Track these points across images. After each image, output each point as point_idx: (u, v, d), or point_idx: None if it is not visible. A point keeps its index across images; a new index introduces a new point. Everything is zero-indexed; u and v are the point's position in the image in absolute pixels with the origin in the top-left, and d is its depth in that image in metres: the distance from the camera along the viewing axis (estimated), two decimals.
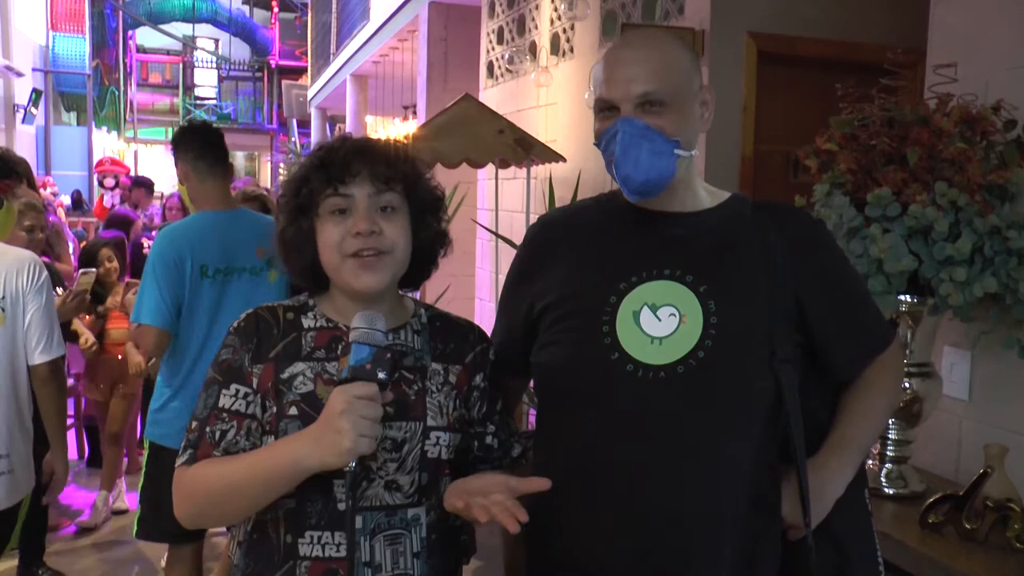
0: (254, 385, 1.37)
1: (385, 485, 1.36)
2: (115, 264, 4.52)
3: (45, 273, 2.68)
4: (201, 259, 2.79)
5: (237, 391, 1.37)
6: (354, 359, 1.25)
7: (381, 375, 1.25)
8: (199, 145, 2.94)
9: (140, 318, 2.77)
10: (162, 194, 12.94)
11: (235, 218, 2.94)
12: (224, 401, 1.36)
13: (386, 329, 1.29)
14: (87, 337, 4.33)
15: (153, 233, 4.74)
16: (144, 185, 8.25)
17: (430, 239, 1.46)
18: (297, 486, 1.29)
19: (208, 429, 1.35)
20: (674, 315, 1.39)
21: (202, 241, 2.81)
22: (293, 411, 1.34)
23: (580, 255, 1.49)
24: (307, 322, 1.42)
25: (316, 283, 1.45)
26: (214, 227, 2.85)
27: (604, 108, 1.43)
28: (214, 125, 3.22)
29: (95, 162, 10.31)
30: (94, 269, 4.02)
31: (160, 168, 21.93)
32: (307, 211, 1.39)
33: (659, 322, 1.39)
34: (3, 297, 2.55)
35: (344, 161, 1.37)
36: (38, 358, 2.62)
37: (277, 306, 1.45)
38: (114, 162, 9.17)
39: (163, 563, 3.92)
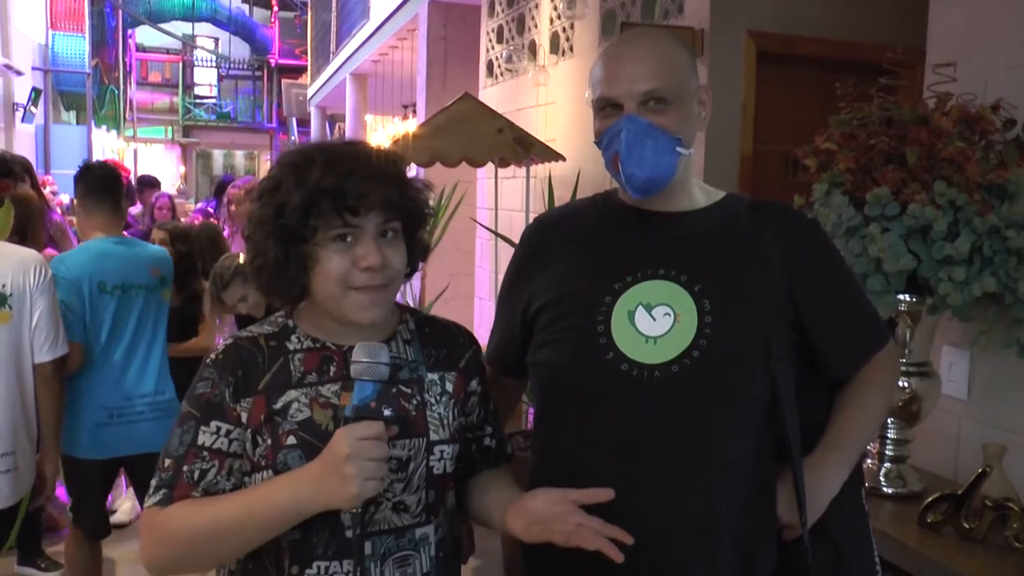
0: (243, 420, 1.28)
1: (392, 507, 1.31)
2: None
3: (50, 272, 2.73)
4: (99, 277, 3.04)
5: (219, 428, 1.28)
6: (358, 398, 1.19)
7: (387, 412, 1.21)
8: (88, 181, 3.20)
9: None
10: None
11: (124, 242, 3.24)
12: (203, 439, 1.27)
13: (390, 360, 1.24)
14: None
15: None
16: (151, 184, 8.23)
17: (418, 254, 1.40)
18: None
19: (185, 468, 1.26)
20: (669, 314, 1.39)
21: (99, 261, 3.06)
22: (292, 440, 1.26)
23: (576, 255, 1.49)
24: (291, 345, 1.33)
25: (288, 300, 1.36)
26: (108, 249, 3.12)
27: (606, 106, 1.43)
28: (105, 164, 3.60)
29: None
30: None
31: (160, 167, 21.94)
32: (305, 238, 1.27)
33: (654, 321, 1.39)
34: (10, 295, 2.59)
35: (358, 191, 1.25)
36: (44, 356, 2.67)
37: (256, 335, 1.35)
38: (115, 164, 9.17)
39: None
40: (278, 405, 1.28)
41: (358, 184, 1.25)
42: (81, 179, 3.21)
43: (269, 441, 1.27)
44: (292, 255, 1.28)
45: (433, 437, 1.34)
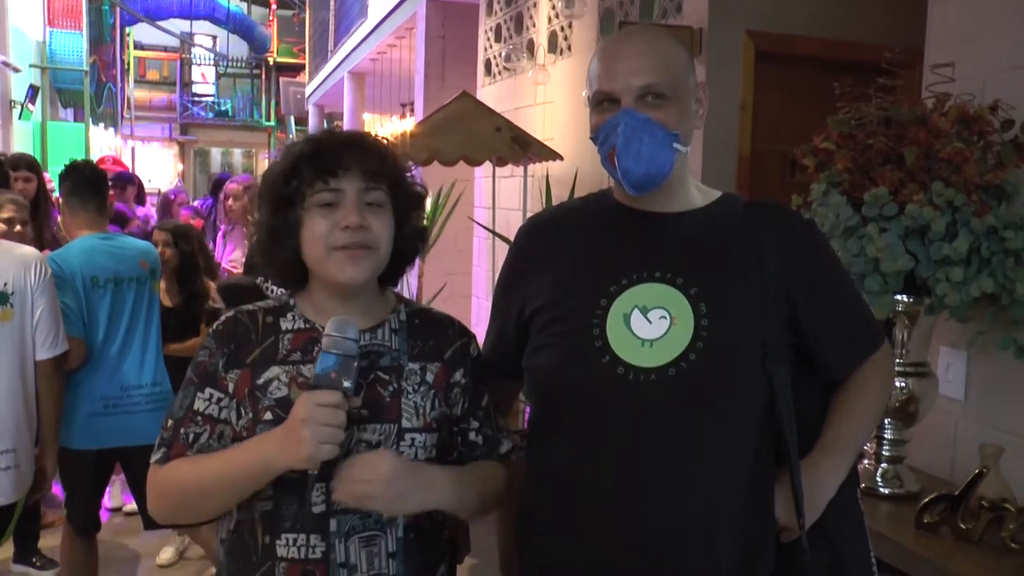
0: (229, 391, 1.38)
1: None
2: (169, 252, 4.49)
3: (50, 270, 2.76)
4: (91, 273, 3.08)
5: (211, 395, 1.39)
6: (320, 367, 1.27)
7: (346, 383, 1.26)
8: (74, 180, 3.24)
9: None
10: (158, 190, 12.90)
11: (111, 237, 3.30)
12: (198, 404, 1.39)
13: (358, 336, 1.30)
14: None
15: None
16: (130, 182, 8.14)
17: (411, 237, 1.47)
18: (274, 489, 1.33)
19: (182, 430, 1.38)
20: (665, 317, 1.38)
21: (90, 257, 3.11)
22: (268, 416, 1.35)
23: (570, 257, 1.49)
24: (285, 324, 1.42)
25: (295, 280, 1.45)
26: (97, 245, 3.16)
27: (603, 100, 1.42)
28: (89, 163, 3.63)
29: (96, 160, 10.26)
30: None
31: (158, 165, 21.92)
32: (293, 203, 1.37)
33: (650, 324, 1.38)
34: (12, 293, 2.61)
35: (336, 155, 1.36)
36: (45, 353, 2.71)
37: (258, 309, 1.45)
38: (115, 161, 9.11)
39: (159, 560, 3.93)
40: (260, 380, 1.37)
41: (336, 149, 1.37)
42: (67, 178, 3.25)
43: (250, 414, 1.36)
44: (283, 221, 1.38)
45: (405, 424, 1.39)
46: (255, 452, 1.31)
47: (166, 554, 3.96)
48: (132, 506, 4.40)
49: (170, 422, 1.40)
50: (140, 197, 7.79)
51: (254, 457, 1.30)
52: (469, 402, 1.48)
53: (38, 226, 4.47)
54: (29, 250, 2.76)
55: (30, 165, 4.53)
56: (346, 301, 1.41)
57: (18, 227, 3.51)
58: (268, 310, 1.44)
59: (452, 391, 1.46)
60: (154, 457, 1.39)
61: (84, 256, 3.10)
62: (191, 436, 1.38)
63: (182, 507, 1.41)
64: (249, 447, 1.33)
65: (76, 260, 3.07)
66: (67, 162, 3.37)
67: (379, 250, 1.39)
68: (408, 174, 1.46)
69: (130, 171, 8.87)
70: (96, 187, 3.26)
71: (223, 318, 1.43)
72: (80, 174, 3.26)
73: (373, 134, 1.47)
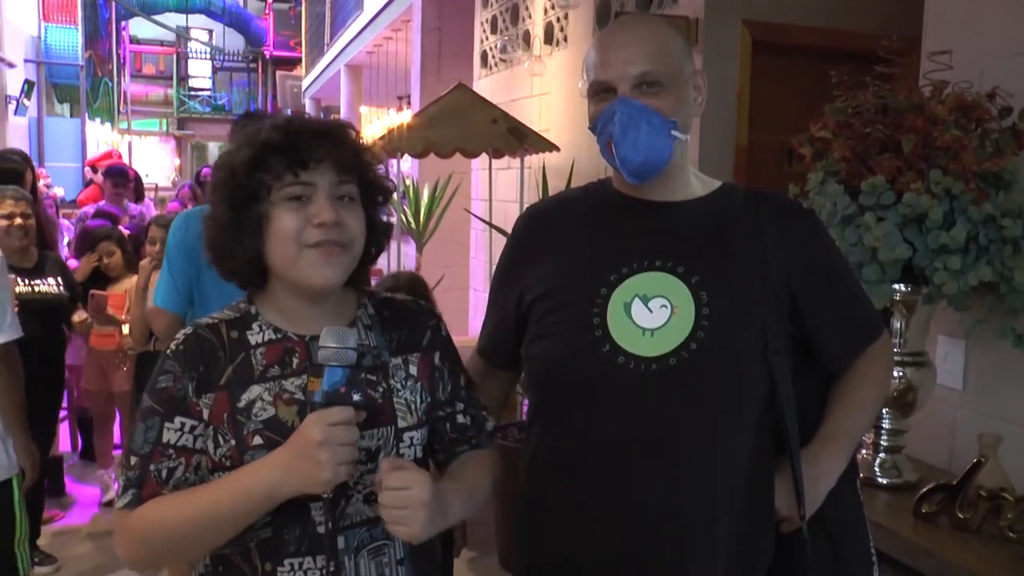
0: (204, 417, 1.25)
1: (364, 499, 1.28)
2: (117, 256, 4.48)
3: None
4: None
5: (183, 424, 1.25)
6: (328, 383, 1.18)
7: (356, 397, 1.20)
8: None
9: (155, 300, 2.83)
10: (156, 185, 12.87)
11: None
12: (168, 436, 1.24)
13: (357, 343, 1.22)
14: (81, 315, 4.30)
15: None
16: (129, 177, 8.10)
17: (380, 234, 1.37)
18: (272, 515, 1.23)
19: (152, 467, 1.24)
20: (666, 306, 1.37)
21: None
22: (258, 440, 1.24)
23: (569, 246, 1.48)
24: (253, 337, 1.30)
25: (251, 281, 1.33)
26: None
27: (600, 90, 1.41)
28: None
29: (96, 156, 10.22)
30: None
31: (154, 160, 21.85)
32: (257, 197, 1.25)
33: (651, 314, 1.37)
34: None
35: (307, 145, 1.24)
36: None
37: (219, 322, 1.31)
38: (111, 157, 9.08)
39: None
40: (241, 403, 1.25)
41: (308, 139, 1.25)
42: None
43: (233, 441, 1.24)
44: (244, 217, 1.25)
45: (401, 424, 1.32)
46: (256, 480, 1.19)
47: None
48: None
49: (133, 459, 1.25)
50: (138, 192, 7.78)
51: (256, 485, 1.19)
52: (451, 384, 1.42)
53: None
54: None
55: (22, 159, 4.53)
56: (315, 303, 1.31)
57: (18, 220, 3.50)
58: (229, 322, 1.31)
59: (434, 377, 1.40)
60: (120, 502, 1.24)
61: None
62: (164, 472, 1.23)
63: (167, 551, 1.27)
64: (245, 476, 1.21)
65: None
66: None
67: (354, 248, 1.29)
68: (379, 167, 1.36)
69: (127, 166, 8.83)
70: None
71: (181, 336, 1.29)
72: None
73: (344, 123, 1.36)
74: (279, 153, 1.24)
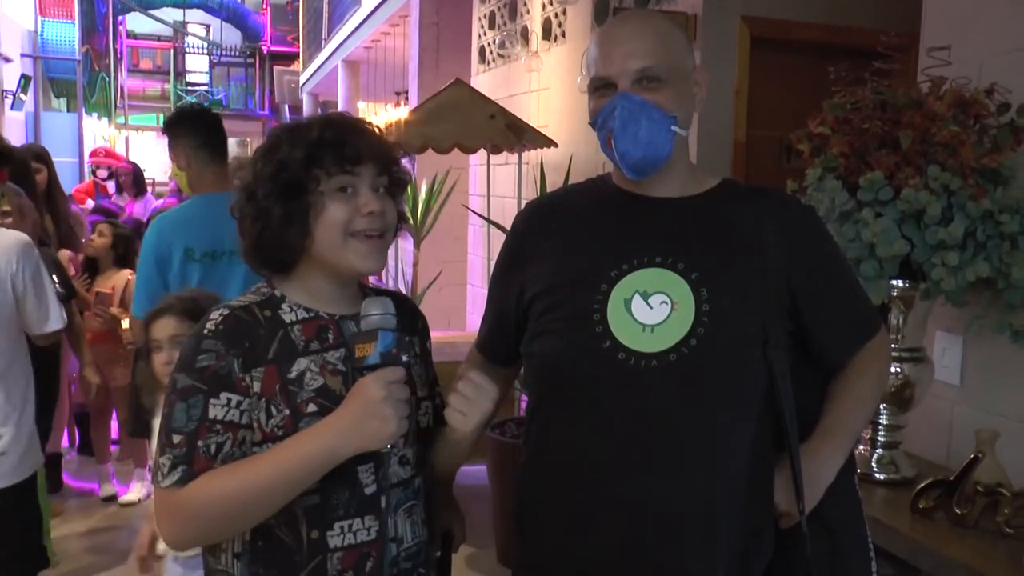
0: (255, 390, 1.29)
1: (398, 461, 1.38)
2: (106, 239, 4.47)
3: (36, 254, 2.69)
4: (189, 243, 2.74)
5: (228, 400, 1.29)
6: (382, 346, 1.28)
7: (405, 358, 1.29)
8: (201, 132, 2.90)
9: (133, 311, 2.82)
10: (153, 180, 12.85)
11: (227, 200, 2.88)
12: (214, 412, 1.28)
13: (395, 311, 1.32)
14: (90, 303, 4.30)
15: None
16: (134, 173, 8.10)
17: (398, 223, 1.45)
18: (320, 482, 1.27)
19: (200, 443, 1.27)
20: (666, 303, 1.38)
21: (191, 226, 2.78)
22: (312, 408, 1.30)
23: (570, 242, 1.48)
24: (287, 316, 1.36)
25: (284, 267, 1.39)
26: (206, 212, 2.79)
27: (600, 86, 1.42)
28: (209, 108, 3.18)
29: (90, 151, 10.20)
30: None
31: (152, 155, 21.81)
32: (307, 188, 1.33)
33: (651, 310, 1.38)
34: None
35: (356, 141, 1.35)
36: (49, 328, 2.73)
37: (249, 303, 1.37)
38: (108, 153, 9.06)
39: (160, 548, 3.92)
40: (292, 374, 1.32)
41: (357, 137, 1.36)
42: (187, 129, 2.88)
43: (287, 411, 1.30)
44: (294, 208, 1.33)
45: (420, 393, 1.44)
46: (315, 444, 1.25)
47: (163, 545, 3.95)
48: (126, 497, 4.42)
49: (176, 437, 1.27)
50: (139, 187, 7.77)
51: (317, 448, 1.24)
52: (432, 370, 1.54)
53: (55, 218, 4.45)
54: (15, 235, 2.68)
55: (39, 156, 4.51)
56: (343, 287, 1.41)
57: (10, 219, 3.48)
58: (259, 304, 1.37)
59: (427, 360, 1.53)
60: (167, 480, 1.27)
61: (186, 225, 2.76)
62: (212, 447, 1.27)
63: (220, 524, 1.29)
64: (302, 442, 1.26)
65: (176, 231, 2.74)
66: (179, 108, 2.99)
67: (390, 236, 1.40)
68: (399, 160, 1.46)
69: (127, 160, 8.82)
70: (221, 132, 2.89)
71: (217, 316, 1.34)
72: (203, 123, 2.88)
73: (367, 121, 1.45)
74: (331, 149, 1.33)
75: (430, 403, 1.47)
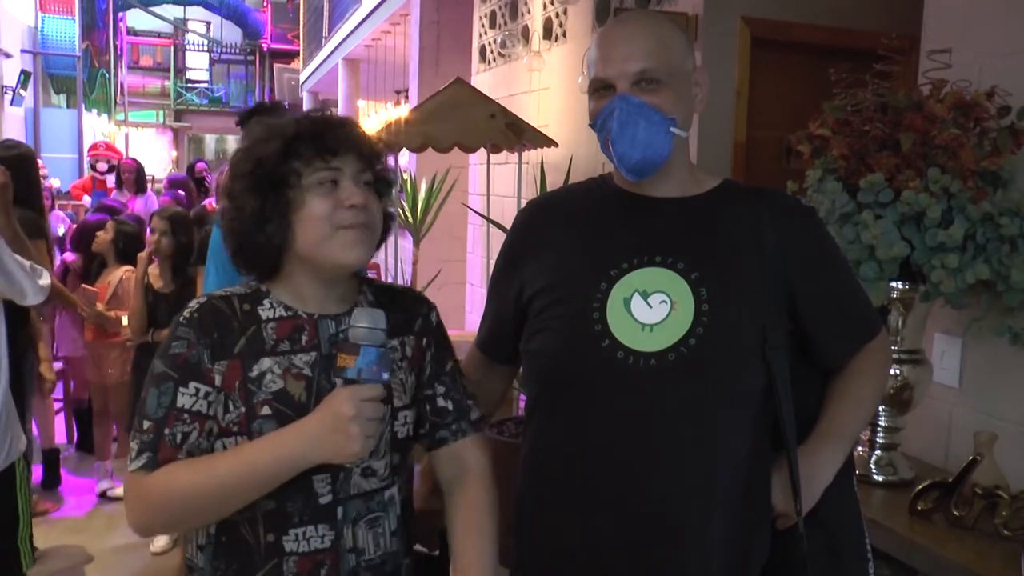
0: (216, 383, 1.29)
1: (361, 472, 1.36)
2: (108, 234, 4.47)
3: None
4: None
5: (197, 390, 1.28)
6: (363, 362, 1.24)
7: (385, 376, 1.26)
8: None
9: None
10: (152, 177, 12.83)
11: None
12: (183, 400, 1.28)
13: (386, 326, 1.27)
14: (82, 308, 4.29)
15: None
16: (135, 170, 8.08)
17: (386, 221, 1.43)
18: (277, 488, 1.27)
19: (167, 431, 1.27)
20: (665, 302, 1.38)
21: None
22: (266, 411, 1.29)
23: (570, 241, 1.48)
24: (264, 312, 1.34)
25: (268, 268, 1.37)
26: None
27: (600, 88, 1.42)
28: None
29: (89, 145, 10.19)
30: None
31: (151, 151, 21.81)
32: (285, 184, 1.31)
33: (650, 309, 1.38)
34: None
35: (335, 134, 1.33)
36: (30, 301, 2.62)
37: (231, 295, 1.36)
38: (108, 147, 9.05)
39: (153, 548, 3.93)
40: (253, 373, 1.30)
41: (334, 129, 1.34)
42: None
43: (243, 408, 1.29)
44: (272, 204, 1.31)
45: (396, 403, 1.40)
46: (282, 449, 1.24)
47: (160, 541, 3.96)
48: (119, 491, 4.42)
49: (146, 423, 1.27)
50: (140, 184, 7.76)
51: (282, 454, 1.24)
52: (433, 368, 1.47)
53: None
54: None
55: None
56: (330, 286, 1.37)
57: None
58: (241, 296, 1.36)
59: (422, 360, 1.47)
60: (135, 464, 1.27)
61: None
62: (179, 436, 1.27)
63: (186, 515, 1.30)
64: (269, 445, 1.26)
65: None
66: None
67: (376, 231, 1.37)
68: (384, 159, 1.44)
69: (123, 156, 8.81)
70: None
71: (195, 305, 1.34)
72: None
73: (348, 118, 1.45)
74: (309, 142, 1.32)
75: (410, 412, 1.43)
